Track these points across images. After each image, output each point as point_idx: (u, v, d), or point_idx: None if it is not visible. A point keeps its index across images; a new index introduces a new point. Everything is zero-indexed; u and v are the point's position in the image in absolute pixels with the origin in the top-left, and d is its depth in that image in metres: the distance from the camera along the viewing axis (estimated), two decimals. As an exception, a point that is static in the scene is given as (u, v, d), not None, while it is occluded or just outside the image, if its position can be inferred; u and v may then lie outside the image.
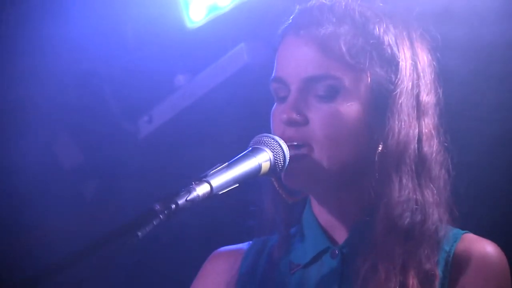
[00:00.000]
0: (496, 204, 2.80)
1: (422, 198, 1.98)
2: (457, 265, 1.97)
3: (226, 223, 3.11)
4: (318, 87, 1.99)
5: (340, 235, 2.05)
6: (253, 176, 1.91)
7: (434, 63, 2.09)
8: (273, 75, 2.06)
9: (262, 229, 2.14)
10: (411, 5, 2.14)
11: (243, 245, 2.19)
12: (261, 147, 1.94)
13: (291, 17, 2.08)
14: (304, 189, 2.08)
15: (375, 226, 1.98)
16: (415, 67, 2.04)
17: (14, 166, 3.62)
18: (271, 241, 2.15)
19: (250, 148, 1.95)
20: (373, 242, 1.98)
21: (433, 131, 2.04)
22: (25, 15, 3.57)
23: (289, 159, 1.97)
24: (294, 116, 1.99)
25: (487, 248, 1.98)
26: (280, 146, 1.95)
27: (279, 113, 2.01)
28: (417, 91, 2.03)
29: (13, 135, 3.63)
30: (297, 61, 2.01)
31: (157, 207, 1.71)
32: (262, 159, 1.92)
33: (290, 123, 1.99)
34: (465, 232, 2.03)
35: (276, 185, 2.09)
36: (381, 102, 2.01)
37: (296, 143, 1.98)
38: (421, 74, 2.04)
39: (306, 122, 1.99)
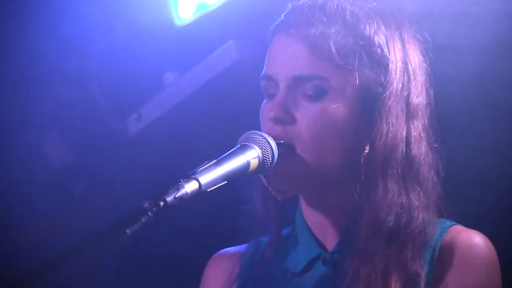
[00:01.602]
0: (496, 203, 2.80)
1: (408, 202, 1.98)
2: (443, 257, 1.96)
3: (223, 222, 3.11)
4: (307, 87, 1.99)
5: (331, 240, 2.04)
6: (242, 173, 1.91)
7: (426, 65, 2.07)
8: (263, 72, 2.06)
9: (253, 229, 2.14)
10: (404, 5, 2.13)
11: (242, 247, 2.19)
12: (250, 144, 1.94)
13: (283, 14, 2.07)
14: (290, 188, 2.07)
15: (359, 230, 1.98)
16: (405, 69, 2.03)
17: (3, 164, 3.60)
18: (264, 243, 2.15)
19: (239, 145, 1.95)
20: (357, 247, 1.97)
21: (422, 133, 2.03)
22: (12, 13, 3.56)
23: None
24: (281, 114, 1.99)
25: (473, 237, 1.97)
26: (269, 143, 1.95)
27: (267, 110, 2.01)
28: (407, 93, 2.02)
29: (1, 134, 3.62)
30: (287, 59, 2.00)
31: (146, 204, 1.71)
32: (251, 156, 1.92)
33: (277, 121, 1.99)
34: (453, 224, 2.02)
35: (266, 183, 2.08)
36: (369, 104, 2.00)
37: (282, 141, 1.98)
38: (412, 76, 2.03)
39: (293, 120, 1.99)
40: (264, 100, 2.05)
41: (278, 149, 1.96)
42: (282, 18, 2.07)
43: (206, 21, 3.32)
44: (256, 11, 3.08)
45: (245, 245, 2.19)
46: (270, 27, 2.08)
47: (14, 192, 3.58)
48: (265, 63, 2.06)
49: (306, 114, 1.98)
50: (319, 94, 1.98)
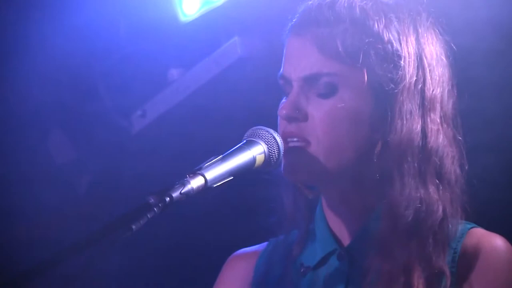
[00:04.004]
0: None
1: (426, 195, 1.97)
2: (465, 261, 1.95)
3: (238, 223, 3.11)
4: (318, 85, 2.00)
5: (348, 236, 2.05)
6: (248, 169, 1.92)
7: (443, 57, 2.06)
8: (280, 71, 2.08)
9: (282, 226, 2.14)
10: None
11: (259, 246, 2.20)
12: (255, 139, 1.95)
13: (295, 15, 2.09)
14: (303, 182, 2.09)
15: (378, 226, 1.98)
16: (420, 63, 2.02)
17: (7, 162, 3.61)
18: (288, 239, 2.15)
19: (245, 141, 1.96)
20: (377, 243, 1.97)
21: (440, 126, 2.02)
22: (16, 11, 3.56)
23: (288, 152, 1.98)
24: (293, 112, 2.00)
25: (495, 241, 1.96)
26: (275, 139, 1.97)
27: (280, 109, 2.03)
28: (422, 86, 2.01)
29: (6, 131, 3.62)
30: (297, 60, 2.03)
31: (151, 200, 1.71)
32: (256, 152, 1.93)
33: (290, 119, 2.00)
34: (472, 227, 2.01)
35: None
36: (381, 100, 2.00)
37: (296, 139, 1.99)
38: (427, 69, 2.02)
39: (305, 118, 2.00)
40: (283, 99, 2.07)
41: (291, 144, 1.98)
42: (294, 19, 2.08)
43: (211, 17, 3.32)
44: (261, 7, 3.08)
45: (262, 244, 2.20)
46: (285, 29, 2.10)
47: (19, 189, 3.58)
48: (282, 62, 2.09)
49: (318, 110, 1.99)
50: (330, 91, 2.00)
